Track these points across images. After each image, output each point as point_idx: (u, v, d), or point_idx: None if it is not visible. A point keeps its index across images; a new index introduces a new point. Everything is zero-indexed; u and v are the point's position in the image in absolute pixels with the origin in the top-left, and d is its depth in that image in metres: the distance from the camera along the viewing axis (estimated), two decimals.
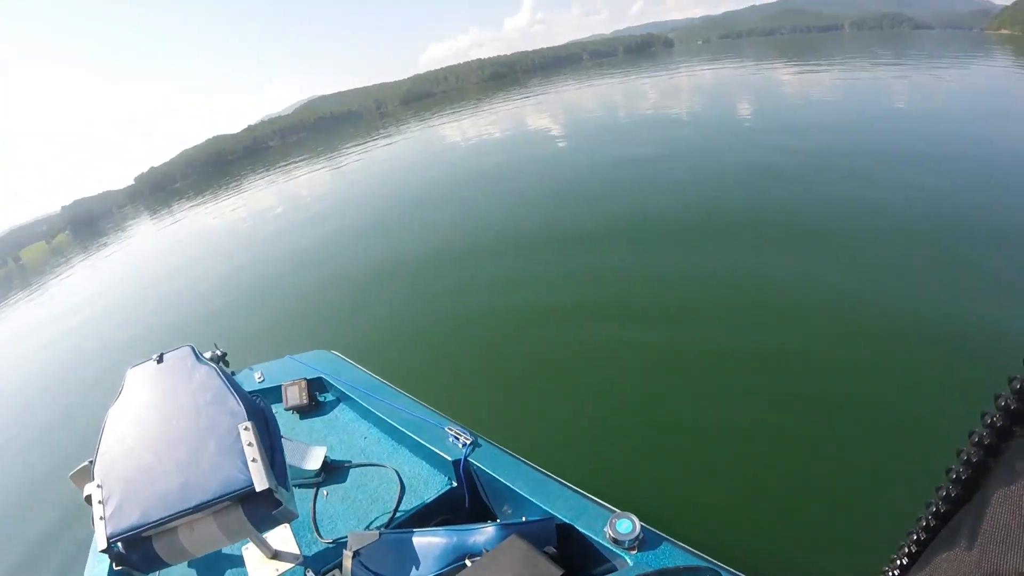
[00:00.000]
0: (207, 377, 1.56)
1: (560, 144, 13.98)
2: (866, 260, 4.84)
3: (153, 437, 1.48)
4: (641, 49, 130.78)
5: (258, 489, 1.36)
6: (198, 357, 1.63)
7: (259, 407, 1.58)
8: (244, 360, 2.86)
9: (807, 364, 3.66)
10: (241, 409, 1.47)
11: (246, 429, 1.43)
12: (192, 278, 11.40)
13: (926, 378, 3.39)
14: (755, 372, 3.65)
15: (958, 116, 10.27)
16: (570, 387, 3.96)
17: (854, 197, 6.26)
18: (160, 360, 1.63)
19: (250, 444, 1.41)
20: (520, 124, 20.84)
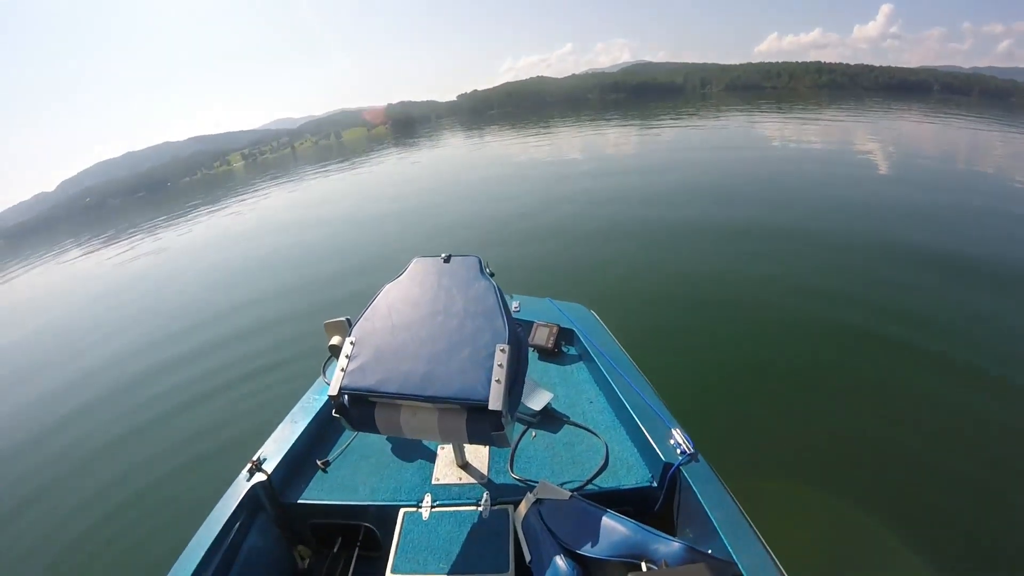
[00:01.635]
0: (485, 291, 1.63)
1: (884, 175, 12.43)
2: None
3: (416, 323, 1.60)
4: (1000, 95, 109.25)
5: (490, 407, 1.42)
6: (482, 270, 1.71)
7: (519, 337, 1.61)
8: (505, 285, 2.87)
9: None
10: (505, 331, 1.53)
11: (502, 351, 1.49)
12: (482, 196, 12.58)
13: None
14: None
15: None
16: (812, 443, 3.60)
17: None
18: (447, 260, 1.73)
19: (500, 365, 1.47)
20: (847, 143, 19.13)
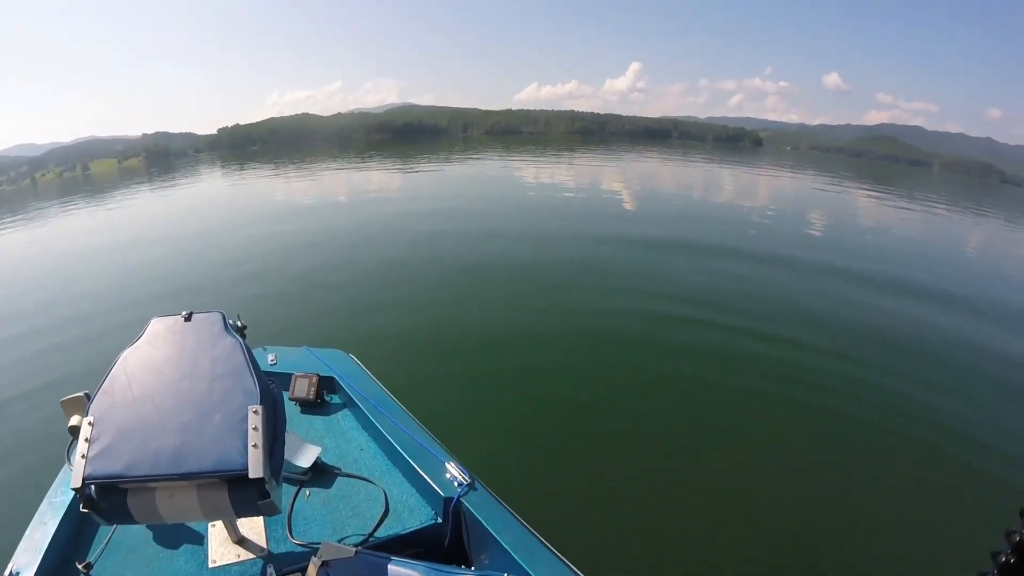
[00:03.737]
0: (231, 349, 1.51)
1: (629, 209, 13.96)
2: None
3: (161, 392, 1.43)
4: (730, 141, 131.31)
5: (251, 476, 1.31)
6: (226, 326, 1.58)
7: (273, 394, 1.52)
8: (259, 337, 2.80)
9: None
10: (256, 391, 1.42)
11: (255, 412, 1.38)
12: (235, 240, 11.48)
13: None
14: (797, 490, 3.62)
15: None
16: (580, 450, 3.93)
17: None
18: (188, 318, 1.59)
19: (255, 428, 1.36)
20: (595, 184, 20.82)
